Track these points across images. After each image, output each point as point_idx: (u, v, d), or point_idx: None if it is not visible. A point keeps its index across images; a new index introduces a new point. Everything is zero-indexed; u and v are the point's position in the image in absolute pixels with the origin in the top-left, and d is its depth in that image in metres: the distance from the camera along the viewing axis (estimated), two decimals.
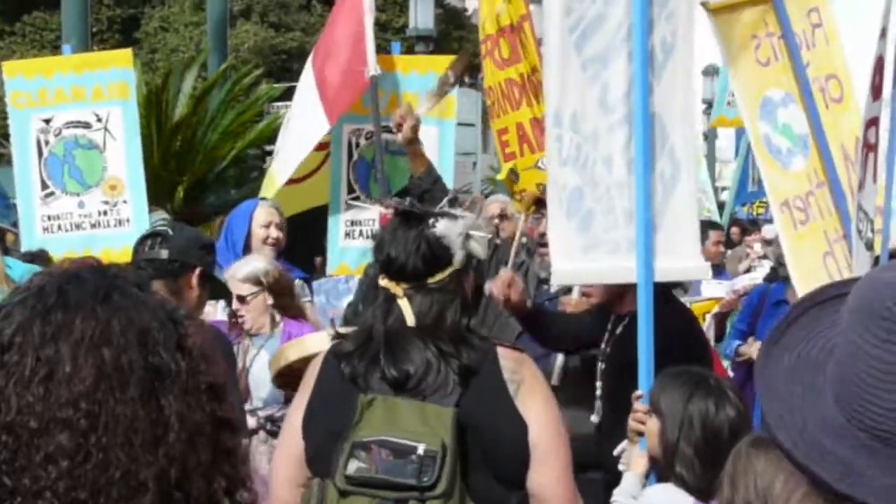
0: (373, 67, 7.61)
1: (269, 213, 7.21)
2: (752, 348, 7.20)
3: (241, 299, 6.17)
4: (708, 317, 7.57)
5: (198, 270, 4.88)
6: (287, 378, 5.01)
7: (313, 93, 7.96)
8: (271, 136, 13.51)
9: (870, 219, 4.84)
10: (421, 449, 3.34)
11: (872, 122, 4.90)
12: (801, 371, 1.45)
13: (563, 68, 4.74)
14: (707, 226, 9.54)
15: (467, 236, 3.61)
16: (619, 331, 5.15)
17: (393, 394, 3.47)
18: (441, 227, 3.60)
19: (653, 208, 4.62)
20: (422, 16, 21.56)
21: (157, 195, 12.72)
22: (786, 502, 1.46)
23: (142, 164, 8.44)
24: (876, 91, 4.88)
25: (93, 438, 1.64)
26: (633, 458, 4.37)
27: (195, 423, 1.70)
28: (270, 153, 14.11)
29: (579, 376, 5.71)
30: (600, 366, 5.26)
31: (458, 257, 3.58)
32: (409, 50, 22.90)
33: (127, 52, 9.03)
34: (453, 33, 31.39)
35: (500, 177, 8.30)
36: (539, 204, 6.07)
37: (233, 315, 6.28)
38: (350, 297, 7.39)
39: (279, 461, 3.65)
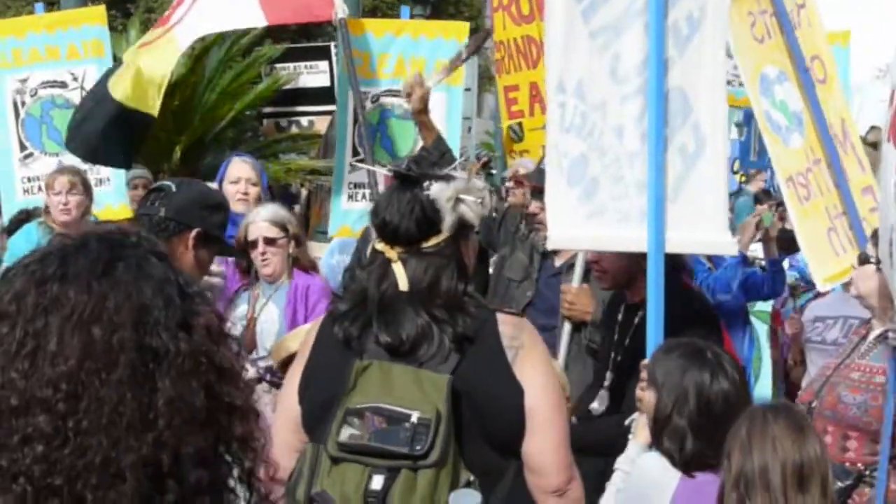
0: (340, 10, 7.54)
1: (241, 168, 7.12)
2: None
3: (271, 241, 6.11)
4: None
5: (195, 231, 4.64)
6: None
7: None
8: (270, 97, 13.44)
9: None
10: (415, 416, 3.30)
11: None
12: None
13: (568, 36, 4.73)
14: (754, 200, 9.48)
15: (457, 200, 3.55)
16: (636, 321, 5.09)
17: (389, 359, 3.43)
18: (434, 190, 3.55)
19: (669, 180, 4.61)
20: None
21: (155, 155, 12.65)
22: None
23: None
24: None
25: (71, 422, 1.56)
26: (638, 428, 4.40)
27: (193, 408, 1.62)
28: (268, 115, 14.06)
29: (584, 361, 5.72)
30: (612, 356, 5.20)
31: (448, 222, 3.54)
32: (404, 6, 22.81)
33: (100, 9, 8.92)
34: None
35: (506, 142, 8.30)
36: (535, 193, 5.99)
37: (243, 261, 6.20)
38: None
39: (277, 426, 3.59)
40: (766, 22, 5.44)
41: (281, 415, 3.64)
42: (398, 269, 3.52)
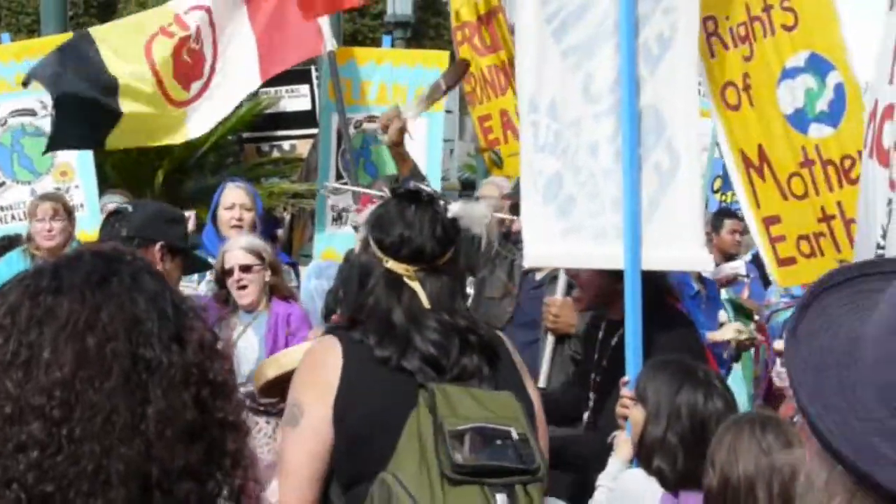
0: (330, 43, 7.65)
1: (235, 194, 7.10)
2: (724, 334, 7.30)
3: (247, 269, 6.13)
4: None
5: (158, 245, 4.76)
6: (272, 391, 4.92)
7: (251, 49, 7.88)
8: (251, 122, 13.44)
9: None
10: (514, 433, 3.29)
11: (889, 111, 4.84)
12: (827, 364, 1.35)
13: (540, 56, 4.76)
14: (723, 215, 9.56)
15: (491, 220, 3.61)
16: (614, 340, 5.05)
17: (437, 379, 3.38)
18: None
19: (644, 198, 4.64)
20: (400, 1, 21.56)
21: (137, 181, 12.67)
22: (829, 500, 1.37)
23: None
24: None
25: (65, 429, 1.57)
26: (619, 444, 4.41)
27: (185, 421, 1.62)
28: (249, 140, 14.06)
29: (567, 374, 5.74)
30: (593, 377, 5.16)
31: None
32: (386, 35, 22.89)
33: (68, 37, 8.95)
34: (430, 20, 31.33)
35: (490, 166, 8.38)
36: (514, 209, 6.02)
37: (221, 289, 6.22)
38: None
39: (298, 459, 3.40)
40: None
41: (305, 445, 3.41)
42: (417, 287, 3.49)
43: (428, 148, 7.76)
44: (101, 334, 1.61)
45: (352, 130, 7.93)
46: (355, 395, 3.39)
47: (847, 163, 5.72)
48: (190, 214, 7.29)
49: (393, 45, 18.40)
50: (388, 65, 8.26)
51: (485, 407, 3.32)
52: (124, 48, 7.54)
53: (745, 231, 10.78)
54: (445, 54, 8.45)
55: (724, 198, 12.63)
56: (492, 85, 8.36)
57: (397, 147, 6.41)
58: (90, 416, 1.58)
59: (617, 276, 4.81)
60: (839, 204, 5.70)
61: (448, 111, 12.23)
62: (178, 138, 7.99)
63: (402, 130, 6.36)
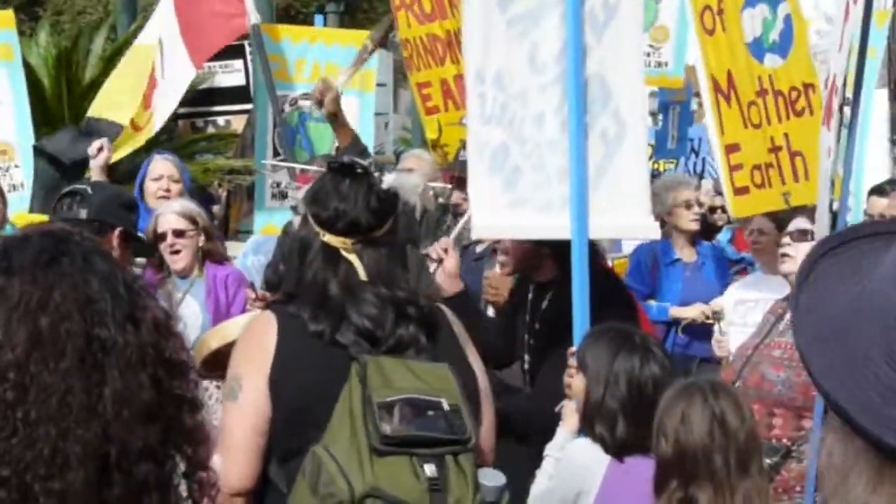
0: (253, 16, 7.66)
1: (163, 166, 7.14)
2: (689, 311, 7.27)
3: (180, 234, 6.07)
4: None
5: (118, 231, 4.68)
6: (214, 362, 4.90)
7: (178, 40, 7.96)
8: (185, 97, 13.31)
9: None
10: (445, 404, 3.32)
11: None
12: (835, 334, 1.32)
13: (486, 27, 4.75)
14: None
15: (425, 190, 3.61)
16: (545, 303, 5.13)
17: (372, 352, 3.40)
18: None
19: (591, 167, 4.65)
20: None
21: None
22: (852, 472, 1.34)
23: (31, 126, 8.34)
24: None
25: (20, 412, 1.54)
26: (566, 414, 4.42)
27: (142, 401, 1.60)
28: (183, 115, 13.93)
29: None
30: (526, 339, 5.21)
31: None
32: (319, 10, 22.70)
33: (8, 13, 8.86)
34: None
35: (432, 135, 8.36)
36: (458, 182, 6.02)
37: (155, 258, 6.15)
38: None
39: (239, 433, 3.43)
40: None
41: (245, 420, 3.44)
42: (354, 259, 3.51)
43: (360, 125, 7.85)
44: (55, 314, 1.58)
45: (287, 107, 7.97)
46: (290, 369, 3.43)
47: (793, 94, 5.85)
48: None
49: (325, 21, 18.32)
50: (321, 44, 8.40)
51: (419, 378, 3.35)
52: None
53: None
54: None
55: (656, 165, 12.71)
56: (431, 53, 8.33)
57: (336, 117, 6.40)
58: (45, 398, 1.55)
59: (541, 240, 4.87)
60: (786, 135, 5.84)
61: (381, 84, 12.22)
62: (141, 139, 8.18)
63: (337, 99, 6.35)
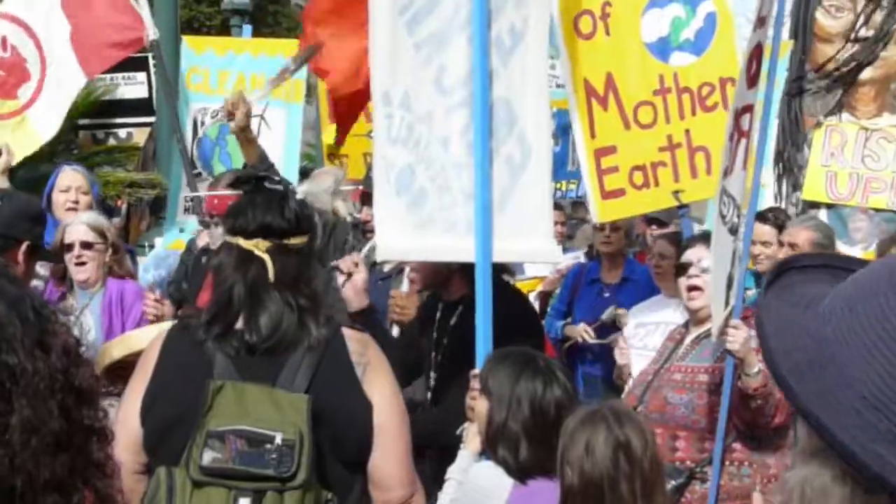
0: (151, 32, 7.58)
1: (72, 177, 7.06)
2: (576, 330, 7.35)
3: (88, 245, 6.01)
4: (532, 295, 7.67)
5: (25, 245, 4.58)
6: (118, 372, 4.86)
7: (66, 42, 7.82)
8: (85, 110, 13.13)
9: (736, 204, 4.98)
10: (279, 438, 3.30)
11: (747, 109, 5.02)
12: (803, 368, 1.38)
13: (393, 49, 4.76)
14: None
15: (336, 192, 3.62)
16: (453, 320, 5.15)
17: (239, 377, 3.40)
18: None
19: (496, 190, 4.68)
20: None
21: None
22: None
23: None
24: (751, 79, 5.00)
25: None
26: (469, 437, 4.43)
27: (50, 431, 1.55)
28: (84, 127, 13.74)
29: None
30: (433, 356, 5.23)
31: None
32: (224, 23, 22.56)
33: None
34: (269, 7, 31.06)
35: (329, 140, 8.35)
36: (364, 198, 6.03)
37: (59, 269, 6.09)
38: None
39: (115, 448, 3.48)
40: None
41: (121, 434, 3.42)
42: (266, 259, 3.53)
43: (286, 139, 7.79)
44: None
45: (209, 120, 7.87)
46: (160, 392, 3.49)
47: (705, 90, 5.95)
48: None
49: (230, 33, 18.20)
50: (248, 54, 8.30)
51: (273, 408, 3.35)
52: None
53: (576, 220, 10.93)
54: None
55: (559, 185, 12.79)
56: None
57: (244, 132, 6.37)
58: None
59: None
60: (688, 132, 5.91)
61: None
62: (32, 146, 7.94)
63: (248, 115, 6.33)
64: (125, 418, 3.51)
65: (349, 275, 5.20)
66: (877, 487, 1.32)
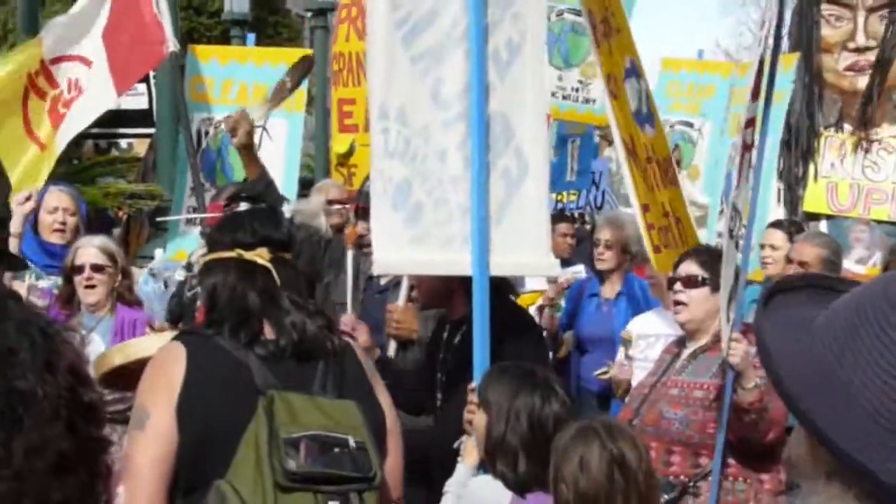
0: (172, 44, 7.61)
1: (58, 198, 7.04)
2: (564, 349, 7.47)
3: (99, 269, 6.06)
4: (532, 309, 7.67)
5: None
6: (115, 379, 4.87)
7: (104, 66, 7.89)
8: None
9: (742, 220, 4.99)
10: (351, 441, 3.34)
11: (750, 123, 5.03)
12: (810, 384, 1.41)
13: (389, 62, 4.76)
14: (556, 218, 9.63)
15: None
16: (457, 340, 5.13)
17: (279, 385, 3.41)
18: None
19: (493, 204, 4.68)
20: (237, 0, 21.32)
21: None
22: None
23: None
24: (755, 92, 5.00)
25: None
26: (466, 450, 4.43)
27: (58, 452, 1.55)
28: (89, 136, 13.76)
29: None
30: (439, 376, 5.22)
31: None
32: (223, 34, 22.58)
33: None
34: (269, 18, 31.10)
35: (341, 149, 8.33)
36: (361, 213, 6.03)
37: (66, 291, 6.11)
38: None
39: (145, 463, 3.39)
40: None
41: (150, 450, 3.41)
42: (270, 267, 3.56)
43: (287, 149, 7.81)
44: None
45: (211, 130, 7.89)
46: (197, 402, 3.42)
47: (665, 164, 5.97)
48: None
49: (231, 43, 18.21)
50: (251, 64, 8.31)
51: (325, 415, 3.37)
52: None
53: (580, 235, 10.92)
54: (309, 52, 8.48)
55: (559, 197, 12.79)
56: (364, 70, 8.34)
57: (247, 150, 6.38)
58: None
59: (452, 276, 4.89)
60: (670, 202, 5.92)
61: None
62: (45, 169, 7.97)
63: (251, 133, 6.34)
64: (157, 431, 3.41)
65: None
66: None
